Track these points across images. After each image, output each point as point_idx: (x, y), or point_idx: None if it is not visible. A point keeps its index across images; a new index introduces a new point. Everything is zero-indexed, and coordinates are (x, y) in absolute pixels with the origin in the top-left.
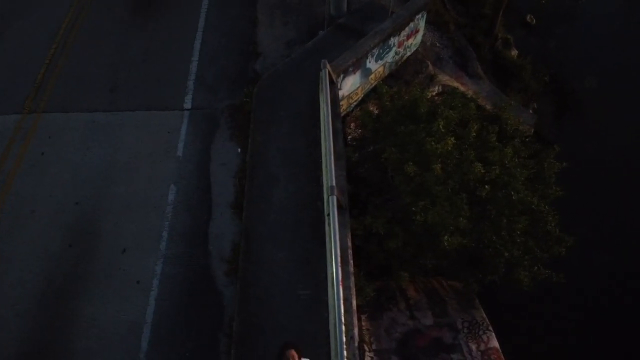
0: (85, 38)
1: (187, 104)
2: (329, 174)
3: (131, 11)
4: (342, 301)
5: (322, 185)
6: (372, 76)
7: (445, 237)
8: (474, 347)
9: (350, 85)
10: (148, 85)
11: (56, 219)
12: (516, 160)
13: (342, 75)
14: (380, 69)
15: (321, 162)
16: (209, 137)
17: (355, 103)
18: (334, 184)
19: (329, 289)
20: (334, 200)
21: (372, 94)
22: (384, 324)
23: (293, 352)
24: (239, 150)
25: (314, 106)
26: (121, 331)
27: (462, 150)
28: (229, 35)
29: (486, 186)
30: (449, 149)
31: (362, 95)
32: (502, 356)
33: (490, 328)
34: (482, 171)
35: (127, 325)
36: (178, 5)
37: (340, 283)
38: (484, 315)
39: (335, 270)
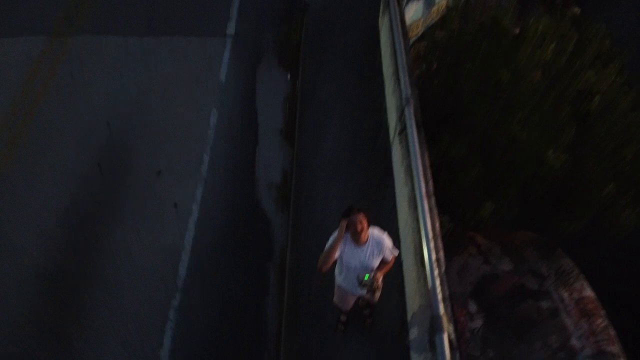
0: None
1: (230, 30)
2: (404, 85)
3: None
4: (427, 214)
5: (376, 121)
6: (435, 9)
7: (550, 151)
8: (565, 295)
9: (413, 12)
10: (188, 10)
11: (84, 140)
12: (619, 80)
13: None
14: (443, 2)
15: (378, 93)
16: (255, 64)
17: (414, 38)
18: (409, 94)
19: (403, 208)
20: (410, 110)
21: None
22: (455, 267)
23: (362, 216)
24: (289, 76)
25: (367, 37)
26: (155, 257)
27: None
28: None
29: (596, 97)
30: (549, 57)
31: (422, 30)
32: (599, 306)
33: (583, 276)
34: (594, 79)
35: (162, 250)
36: None
37: (425, 197)
38: (572, 264)
39: (418, 184)
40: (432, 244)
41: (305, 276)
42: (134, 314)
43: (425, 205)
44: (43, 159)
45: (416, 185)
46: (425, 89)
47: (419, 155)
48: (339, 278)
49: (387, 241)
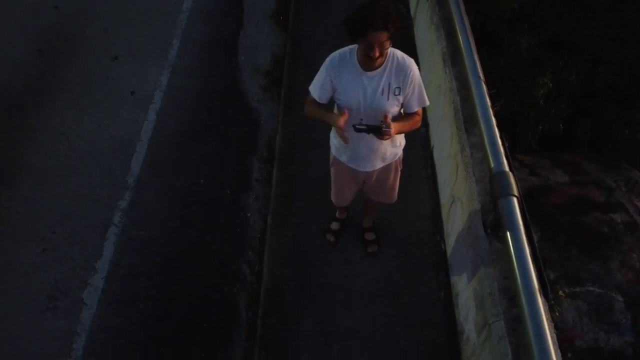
0: None
1: None
2: None
3: None
4: (473, 47)
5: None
6: None
7: None
8: None
9: None
10: None
11: (25, 24)
12: None
13: None
14: None
15: None
16: None
17: None
18: None
19: (435, 74)
20: None
21: None
22: None
23: (385, 37)
24: None
25: None
26: (102, 149)
27: None
28: None
29: None
30: None
31: None
32: None
33: None
34: None
35: (111, 142)
36: None
37: (468, 30)
38: None
39: (463, 41)
40: (484, 86)
41: (298, 165)
42: (67, 215)
43: (470, 40)
44: None
45: (455, 18)
46: None
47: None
48: (334, 141)
49: (416, 72)
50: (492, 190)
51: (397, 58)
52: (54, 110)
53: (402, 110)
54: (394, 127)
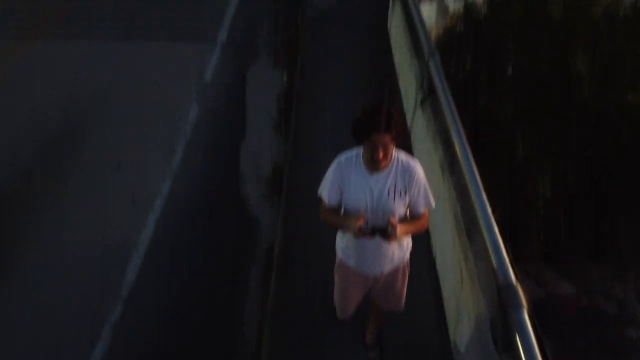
0: None
1: (222, 36)
2: (424, 40)
3: None
4: (469, 154)
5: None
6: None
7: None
8: None
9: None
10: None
11: (31, 126)
12: None
13: None
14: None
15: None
16: (247, 65)
17: None
18: (432, 47)
19: (434, 181)
20: (437, 63)
21: None
22: None
23: (389, 139)
24: (284, 77)
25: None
26: (94, 256)
27: None
28: None
29: None
30: None
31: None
32: None
33: None
34: None
35: (105, 249)
36: None
37: (463, 137)
38: None
39: (454, 128)
40: (484, 195)
41: (297, 269)
42: (51, 328)
43: (466, 149)
44: None
45: (452, 129)
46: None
47: (452, 101)
48: (340, 244)
49: (421, 173)
50: (501, 303)
51: (402, 160)
52: (46, 215)
53: (407, 213)
54: (399, 228)
